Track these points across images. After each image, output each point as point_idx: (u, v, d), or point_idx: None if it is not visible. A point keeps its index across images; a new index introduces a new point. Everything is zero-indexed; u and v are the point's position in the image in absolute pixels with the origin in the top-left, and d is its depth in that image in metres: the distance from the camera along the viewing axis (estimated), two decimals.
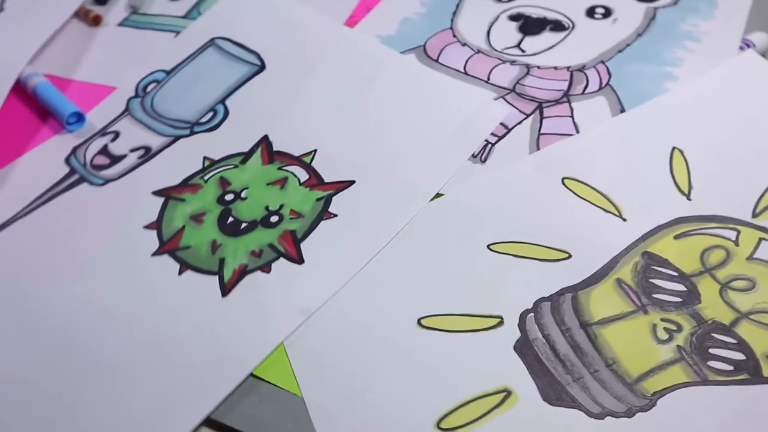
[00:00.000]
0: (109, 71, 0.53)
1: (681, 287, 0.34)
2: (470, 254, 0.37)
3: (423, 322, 0.35)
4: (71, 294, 0.38)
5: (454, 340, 0.34)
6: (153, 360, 0.35)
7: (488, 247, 0.37)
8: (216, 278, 0.38)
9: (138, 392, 0.34)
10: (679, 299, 0.33)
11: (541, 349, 0.33)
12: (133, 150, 0.45)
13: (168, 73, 0.50)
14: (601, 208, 0.37)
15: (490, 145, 0.41)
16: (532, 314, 0.34)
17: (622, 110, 0.41)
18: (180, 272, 0.38)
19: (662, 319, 0.33)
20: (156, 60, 0.51)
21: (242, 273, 0.37)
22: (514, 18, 0.48)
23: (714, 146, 0.38)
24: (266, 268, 0.38)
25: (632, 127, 0.40)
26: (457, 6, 0.50)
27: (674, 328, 0.33)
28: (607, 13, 0.47)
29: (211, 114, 0.46)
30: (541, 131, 0.41)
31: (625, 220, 0.37)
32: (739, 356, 0.31)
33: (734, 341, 0.32)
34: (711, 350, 0.32)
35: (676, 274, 0.34)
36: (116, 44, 0.56)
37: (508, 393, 0.32)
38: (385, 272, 0.37)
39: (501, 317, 0.34)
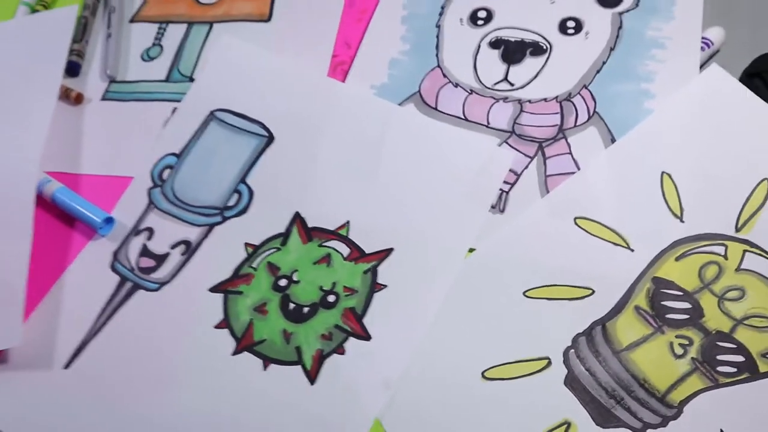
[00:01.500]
0: (113, 159, 0.55)
1: (687, 305, 0.42)
2: (510, 303, 0.44)
3: (486, 374, 0.42)
4: (171, 404, 0.44)
5: (514, 386, 0.42)
6: None
7: (524, 294, 0.44)
8: (299, 368, 0.44)
9: None
10: (686, 316, 0.42)
11: (586, 380, 0.41)
12: (173, 246, 0.49)
13: (178, 156, 0.52)
14: (611, 242, 0.44)
15: (504, 194, 0.46)
16: (573, 350, 0.42)
17: (612, 138, 0.47)
18: (265, 367, 0.44)
19: (676, 336, 0.41)
20: (161, 141, 0.53)
21: (321, 358, 0.44)
22: (494, 45, 0.52)
23: (696, 167, 0.45)
24: (340, 349, 0.44)
25: (624, 158, 0.46)
26: (438, 37, 0.53)
27: (687, 342, 0.41)
28: (578, 26, 0.51)
29: (236, 196, 0.50)
30: (547, 173, 0.46)
31: (632, 250, 0.44)
32: (739, 358, 0.40)
33: (734, 346, 0.41)
34: (718, 357, 0.41)
35: (681, 293, 0.42)
36: (109, 124, 0.57)
37: (568, 424, 0.40)
38: (444, 332, 0.44)
39: (549, 358, 0.42)
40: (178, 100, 0.56)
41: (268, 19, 0.58)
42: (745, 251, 0.43)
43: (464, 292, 0.44)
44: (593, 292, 0.43)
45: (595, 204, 0.45)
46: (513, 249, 0.45)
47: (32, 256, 0.49)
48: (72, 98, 0.57)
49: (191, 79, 0.57)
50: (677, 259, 0.43)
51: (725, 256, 0.43)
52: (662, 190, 0.45)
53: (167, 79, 0.57)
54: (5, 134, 0.54)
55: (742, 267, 0.43)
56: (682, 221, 0.44)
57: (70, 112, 0.57)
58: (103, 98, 0.57)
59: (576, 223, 0.45)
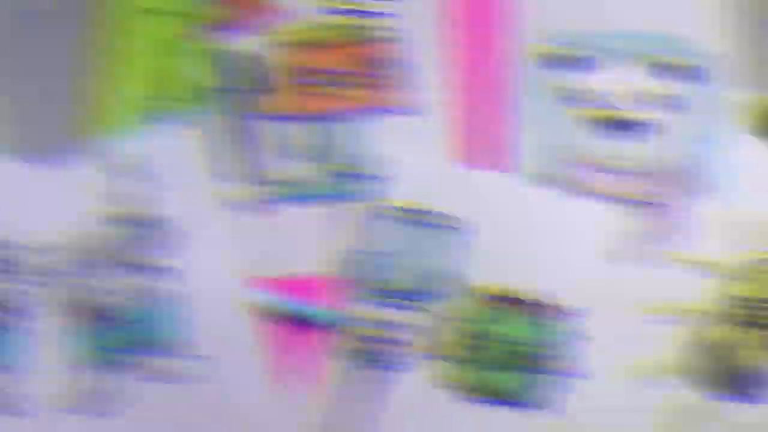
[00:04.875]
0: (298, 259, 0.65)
1: None
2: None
3: None
4: None
5: None
6: None
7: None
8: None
9: None
10: None
11: None
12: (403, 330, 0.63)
13: (379, 254, 0.64)
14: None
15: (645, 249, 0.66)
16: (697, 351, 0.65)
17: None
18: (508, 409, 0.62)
19: None
20: (353, 241, 0.66)
21: None
22: (610, 125, 0.69)
23: None
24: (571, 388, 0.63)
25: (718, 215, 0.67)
26: None
27: None
28: (668, 100, 0.69)
29: (442, 282, 0.64)
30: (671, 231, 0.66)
31: None
32: None
33: None
34: None
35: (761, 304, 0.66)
36: (284, 227, 0.66)
37: None
38: None
39: None
40: (350, 198, 0.67)
41: (406, 110, 0.69)
42: None
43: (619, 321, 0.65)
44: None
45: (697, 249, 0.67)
46: (645, 286, 0.66)
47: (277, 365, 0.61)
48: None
49: (357, 176, 0.68)
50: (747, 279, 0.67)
51: None
52: None
53: (333, 179, 0.67)
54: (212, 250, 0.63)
55: None
56: None
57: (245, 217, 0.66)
58: (276, 202, 0.66)
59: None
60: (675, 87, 0.72)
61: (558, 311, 0.66)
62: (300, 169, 0.69)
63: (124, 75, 0.72)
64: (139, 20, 0.73)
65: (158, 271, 0.64)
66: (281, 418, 0.61)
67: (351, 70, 0.72)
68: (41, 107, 0.71)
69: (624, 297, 0.67)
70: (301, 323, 0.64)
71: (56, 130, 0.69)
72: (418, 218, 0.67)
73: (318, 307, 0.64)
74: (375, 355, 0.64)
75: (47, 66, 0.72)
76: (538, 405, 0.64)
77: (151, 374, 0.62)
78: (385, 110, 0.71)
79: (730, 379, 0.64)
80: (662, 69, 0.72)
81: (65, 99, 0.70)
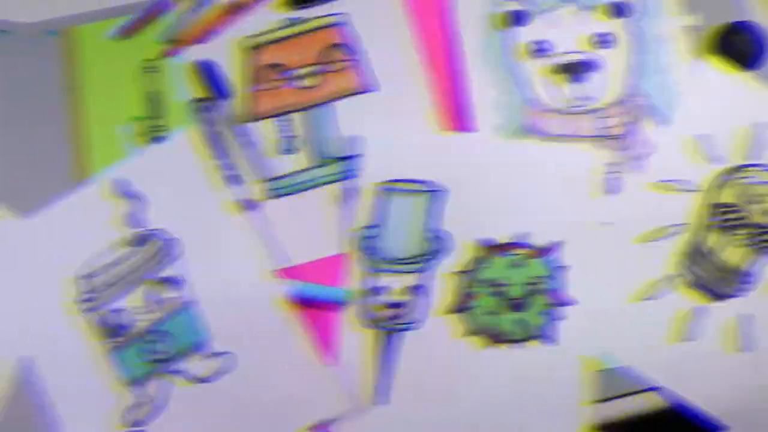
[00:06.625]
0: (312, 244, 0.71)
1: (737, 214, 0.73)
2: (632, 248, 0.72)
3: (631, 297, 0.71)
4: (472, 400, 0.69)
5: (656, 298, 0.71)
6: None
7: (634, 240, 0.72)
8: (538, 341, 0.69)
9: None
10: (739, 221, 0.73)
11: (699, 277, 0.71)
12: (411, 292, 0.70)
13: (374, 227, 0.72)
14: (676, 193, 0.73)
15: (614, 180, 0.72)
16: (687, 263, 0.72)
17: (664, 121, 0.74)
18: (512, 347, 0.69)
19: (736, 233, 0.73)
20: (356, 218, 0.73)
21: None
22: (561, 70, 0.74)
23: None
24: (560, 318, 0.70)
25: (674, 137, 0.73)
26: (521, 74, 0.74)
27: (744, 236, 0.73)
28: (610, 39, 0.75)
29: (438, 241, 0.71)
30: (635, 158, 0.73)
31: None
32: None
33: None
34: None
35: (731, 208, 0.73)
36: (292, 216, 0.72)
37: (694, 308, 0.71)
38: (604, 279, 0.71)
39: (677, 273, 0.72)
40: (338, 180, 0.73)
41: (371, 89, 0.75)
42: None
43: (605, 250, 0.72)
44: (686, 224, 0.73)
45: (662, 172, 0.74)
46: (626, 214, 0.73)
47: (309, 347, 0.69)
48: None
49: (340, 159, 0.73)
50: (718, 188, 0.74)
51: None
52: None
53: (320, 165, 0.73)
54: (234, 253, 0.70)
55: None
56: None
57: (251, 216, 0.72)
58: (275, 197, 0.72)
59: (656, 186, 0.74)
60: (611, 25, 0.78)
61: (550, 250, 0.73)
62: (289, 162, 0.75)
63: (104, 104, 0.77)
64: (108, 49, 0.78)
65: (177, 281, 0.70)
66: (318, 395, 0.69)
67: (312, 60, 0.77)
68: (28, 154, 0.76)
69: (610, 228, 0.75)
70: (324, 304, 0.70)
71: (47, 175, 0.74)
72: (402, 188, 0.74)
73: (336, 287, 0.71)
74: (395, 320, 0.71)
75: (27, 113, 0.77)
76: (546, 338, 0.71)
77: (188, 378, 0.69)
78: (352, 92, 0.77)
79: (718, 280, 0.72)
80: (595, 10, 0.79)
81: (51, 141, 0.76)
